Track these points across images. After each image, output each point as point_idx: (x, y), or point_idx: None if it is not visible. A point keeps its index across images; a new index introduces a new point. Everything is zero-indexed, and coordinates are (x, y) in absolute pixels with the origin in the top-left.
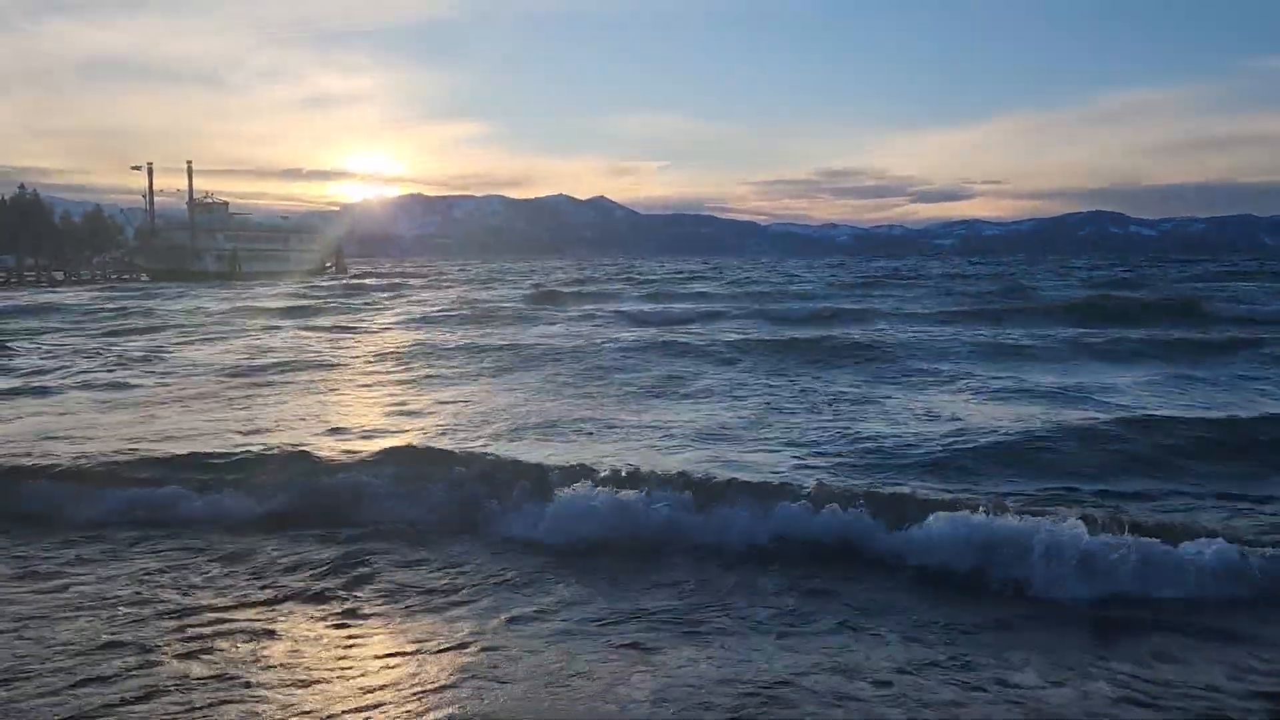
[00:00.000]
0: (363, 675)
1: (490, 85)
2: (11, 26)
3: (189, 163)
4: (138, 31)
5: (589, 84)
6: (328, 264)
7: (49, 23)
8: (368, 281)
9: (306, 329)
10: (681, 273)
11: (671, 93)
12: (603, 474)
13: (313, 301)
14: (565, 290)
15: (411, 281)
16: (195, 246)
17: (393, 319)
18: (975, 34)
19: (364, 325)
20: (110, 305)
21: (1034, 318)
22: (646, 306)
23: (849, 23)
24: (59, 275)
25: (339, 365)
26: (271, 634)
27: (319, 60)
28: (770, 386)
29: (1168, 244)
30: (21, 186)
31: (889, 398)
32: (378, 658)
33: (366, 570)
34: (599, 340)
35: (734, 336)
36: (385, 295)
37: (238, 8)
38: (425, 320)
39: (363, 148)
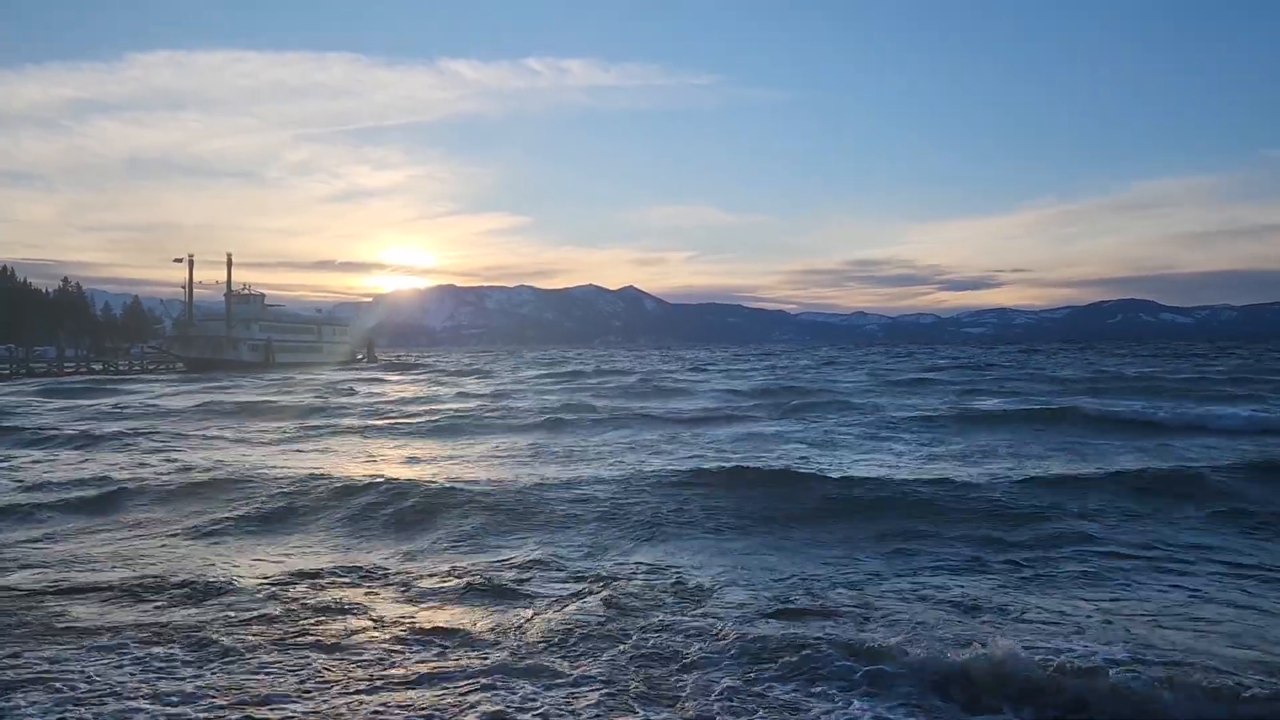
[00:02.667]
0: None
1: (519, 178)
2: (57, 127)
3: (229, 255)
4: (179, 129)
5: (617, 176)
6: (359, 354)
7: (93, 122)
8: (365, 376)
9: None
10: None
11: (699, 184)
12: None
13: (276, 399)
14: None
15: (416, 377)
16: (231, 337)
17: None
18: (1000, 125)
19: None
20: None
21: None
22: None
23: (873, 115)
24: (97, 366)
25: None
26: None
27: (353, 156)
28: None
29: (1202, 332)
30: (65, 280)
31: None
32: None
33: None
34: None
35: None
36: (366, 393)
37: (274, 106)
38: (382, 430)
39: (395, 240)
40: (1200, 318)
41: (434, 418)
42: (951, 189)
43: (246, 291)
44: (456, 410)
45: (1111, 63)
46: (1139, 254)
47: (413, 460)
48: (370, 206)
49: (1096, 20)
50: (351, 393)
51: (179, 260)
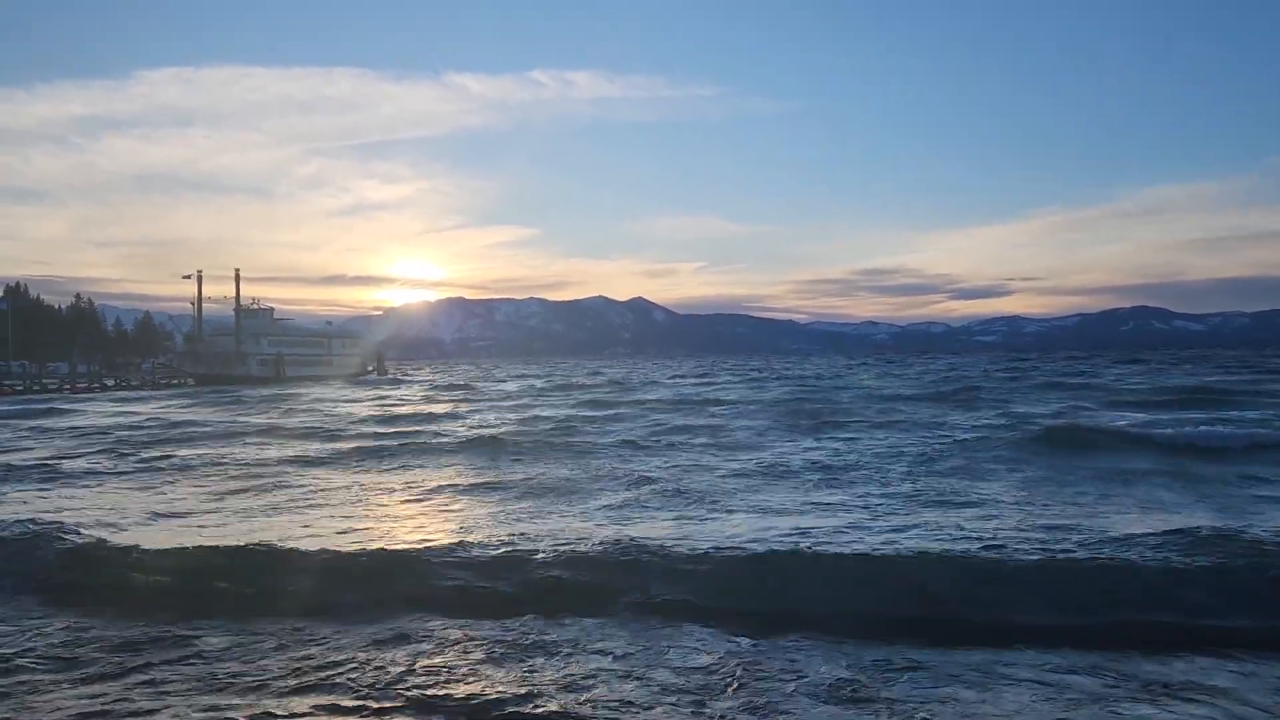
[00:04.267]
0: None
1: (527, 190)
2: (68, 144)
3: (237, 270)
4: (188, 146)
5: (624, 187)
6: (369, 367)
7: (103, 139)
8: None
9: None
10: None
11: (707, 194)
12: None
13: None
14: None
15: (392, 391)
16: (240, 352)
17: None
18: (1005, 133)
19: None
20: None
21: None
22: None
23: (879, 125)
24: (109, 381)
25: None
26: None
27: (360, 170)
28: None
29: (1215, 339)
30: (77, 296)
31: None
32: None
33: None
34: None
35: None
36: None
37: (282, 122)
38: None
39: (404, 254)
40: (1213, 324)
41: (366, 441)
42: (958, 197)
43: (256, 306)
44: (410, 430)
45: (1116, 70)
46: (1148, 260)
47: (274, 509)
48: (379, 220)
49: (1100, 27)
50: (313, 409)
51: (188, 276)
